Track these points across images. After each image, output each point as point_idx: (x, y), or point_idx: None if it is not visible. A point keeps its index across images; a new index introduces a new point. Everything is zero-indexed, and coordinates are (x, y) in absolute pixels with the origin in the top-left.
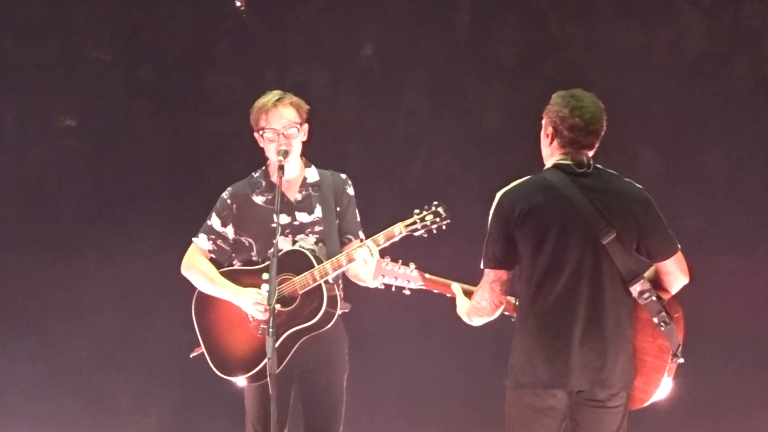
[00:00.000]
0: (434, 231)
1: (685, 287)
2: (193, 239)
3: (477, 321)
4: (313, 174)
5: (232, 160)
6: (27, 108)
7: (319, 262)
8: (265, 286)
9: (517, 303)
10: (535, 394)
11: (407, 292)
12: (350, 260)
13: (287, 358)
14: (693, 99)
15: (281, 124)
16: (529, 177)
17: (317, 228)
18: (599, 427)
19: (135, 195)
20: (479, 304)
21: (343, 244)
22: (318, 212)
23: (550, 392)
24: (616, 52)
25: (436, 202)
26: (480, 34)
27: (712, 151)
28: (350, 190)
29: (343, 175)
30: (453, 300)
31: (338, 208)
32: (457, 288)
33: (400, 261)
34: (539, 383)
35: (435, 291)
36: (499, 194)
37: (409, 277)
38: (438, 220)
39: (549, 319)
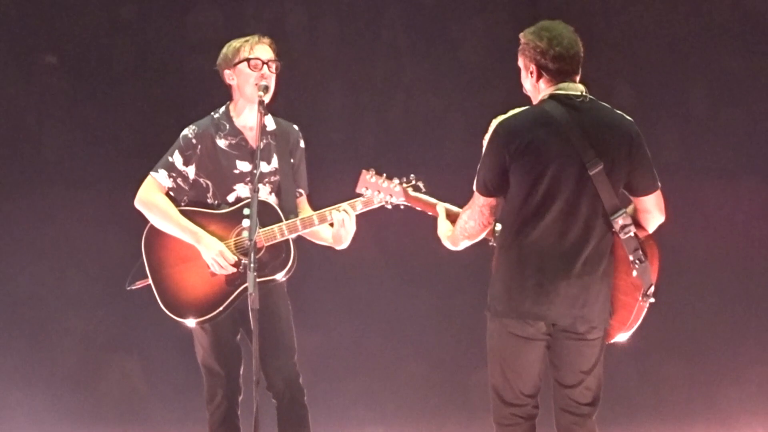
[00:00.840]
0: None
1: (664, 221)
2: (152, 173)
3: (462, 244)
4: (270, 122)
5: (214, 97)
6: (6, 46)
7: (287, 217)
8: (246, 222)
9: (499, 230)
10: (515, 322)
11: (389, 207)
12: (323, 220)
13: (237, 301)
14: (672, 32)
15: (266, 56)
16: (526, 108)
17: (273, 178)
18: (578, 358)
19: (117, 133)
20: (467, 224)
21: (294, 197)
22: (275, 162)
23: (529, 322)
24: None
25: (413, 176)
26: None
27: (691, 84)
28: (302, 143)
29: (296, 127)
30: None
31: (292, 160)
32: (441, 209)
33: (385, 174)
34: (518, 312)
35: (417, 208)
36: (495, 122)
37: (392, 192)
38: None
39: (533, 251)
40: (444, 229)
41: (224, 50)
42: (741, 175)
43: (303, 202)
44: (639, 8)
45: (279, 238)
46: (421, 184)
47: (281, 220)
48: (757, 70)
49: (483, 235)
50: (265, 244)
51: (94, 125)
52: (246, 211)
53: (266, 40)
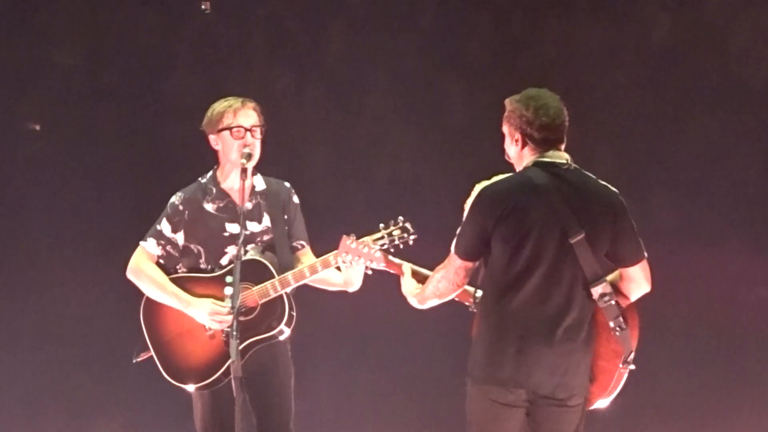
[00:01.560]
0: (401, 246)
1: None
2: (141, 243)
3: (429, 303)
4: (260, 182)
5: (196, 163)
6: None
7: (279, 272)
8: (228, 289)
9: (480, 296)
10: (495, 389)
11: (369, 272)
12: (314, 271)
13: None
14: (659, 96)
15: (249, 123)
16: (511, 174)
17: (266, 237)
18: (559, 426)
19: (100, 199)
20: (440, 283)
21: (295, 249)
22: (266, 221)
23: (510, 389)
24: (582, 50)
25: (401, 218)
26: (446, 33)
27: (678, 149)
28: (295, 198)
29: (287, 184)
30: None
31: (286, 216)
32: (407, 267)
33: (366, 239)
34: (499, 379)
35: (393, 272)
36: (479, 187)
37: (372, 257)
38: (405, 235)
39: (515, 317)
40: (410, 287)
41: (208, 113)
42: (725, 240)
43: (306, 254)
44: (622, 72)
45: (273, 294)
46: (408, 225)
47: (273, 277)
48: (740, 132)
49: (452, 296)
50: (260, 302)
51: (78, 192)
52: (229, 279)
53: (250, 104)
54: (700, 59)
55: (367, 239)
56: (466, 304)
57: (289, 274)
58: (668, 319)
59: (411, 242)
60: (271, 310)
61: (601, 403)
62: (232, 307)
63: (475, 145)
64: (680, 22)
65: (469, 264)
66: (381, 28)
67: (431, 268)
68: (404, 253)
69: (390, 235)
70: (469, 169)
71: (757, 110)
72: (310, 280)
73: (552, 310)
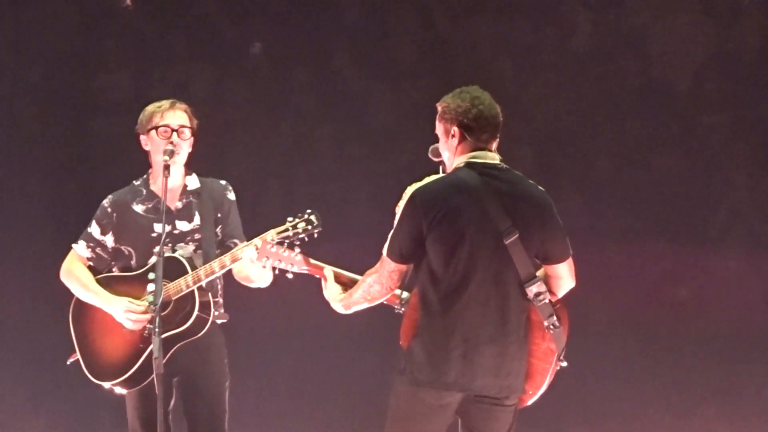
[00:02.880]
0: (306, 239)
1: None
2: (73, 246)
3: (355, 308)
4: (193, 181)
5: (121, 161)
6: None
7: (194, 268)
8: (150, 286)
9: (418, 299)
10: (435, 392)
11: (290, 276)
12: (223, 266)
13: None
14: (579, 98)
15: (176, 122)
16: (442, 176)
17: (196, 236)
18: (494, 424)
19: (20, 196)
20: (372, 287)
21: (228, 248)
22: (197, 220)
23: (451, 392)
24: (504, 51)
25: (309, 210)
26: (368, 32)
27: (597, 149)
28: (231, 195)
29: (223, 182)
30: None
31: (219, 214)
32: (329, 272)
33: (286, 243)
34: (443, 383)
35: (317, 276)
36: (410, 189)
37: (293, 261)
38: (310, 228)
39: (459, 321)
40: (334, 291)
41: (141, 115)
42: (643, 240)
43: None
44: (544, 74)
45: (185, 290)
46: (314, 218)
47: (188, 273)
48: (660, 134)
49: (382, 300)
50: (173, 298)
51: (0, 190)
52: (151, 275)
53: (181, 105)
54: (620, 61)
55: (272, 232)
56: (393, 306)
57: (200, 269)
58: (586, 319)
59: (315, 235)
60: (183, 305)
61: (535, 400)
62: (154, 304)
63: (399, 145)
64: (601, 23)
65: (403, 267)
66: (305, 26)
67: (352, 270)
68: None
69: (294, 227)
70: (392, 169)
71: (676, 112)
72: (222, 273)
73: (493, 311)
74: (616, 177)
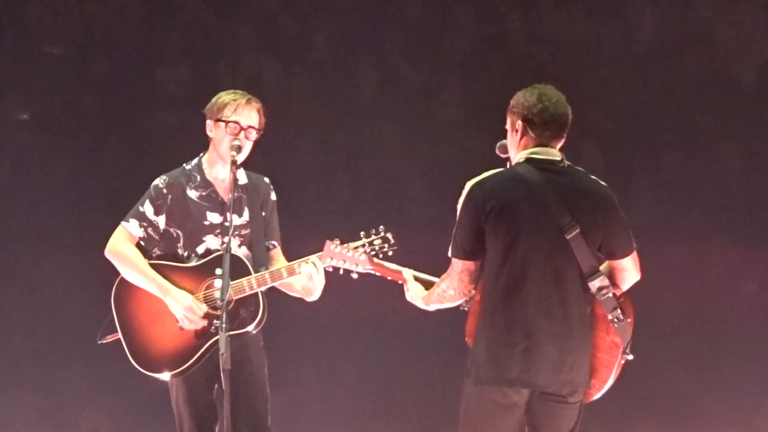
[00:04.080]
0: (380, 256)
1: (637, 282)
2: (123, 223)
3: (434, 306)
4: (242, 176)
5: (181, 153)
6: None
7: (255, 270)
8: (218, 282)
9: (480, 296)
10: (499, 391)
11: (355, 276)
12: (291, 273)
13: (205, 358)
14: (645, 93)
15: (246, 122)
16: (501, 170)
17: (244, 231)
18: (558, 421)
19: (87, 189)
20: (446, 292)
21: (267, 249)
22: (246, 215)
23: (515, 389)
24: (567, 46)
25: (382, 227)
26: (431, 27)
27: (662, 145)
28: (273, 196)
29: (267, 179)
30: (400, 287)
31: (263, 213)
32: (408, 273)
33: (350, 243)
34: (505, 380)
35: (384, 276)
36: (469, 184)
37: (357, 261)
38: (386, 246)
39: (519, 316)
40: (416, 291)
41: (214, 99)
42: (710, 236)
43: (277, 254)
44: (610, 69)
45: (248, 291)
46: (390, 236)
47: (250, 273)
48: (726, 129)
49: (458, 303)
50: (234, 298)
51: (66, 181)
52: (218, 271)
53: (256, 104)
54: (686, 56)
55: (348, 246)
56: (459, 304)
57: (266, 273)
58: (654, 315)
59: (390, 253)
60: (245, 307)
61: (602, 394)
62: (221, 300)
63: (464, 141)
64: (667, 18)
65: (471, 265)
66: (367, 22)
67: (414, 266)
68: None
69: (371, 244)
70: (457, 165)
71: (742, 107)
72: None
73: (554, 306)
74: (682, 173)
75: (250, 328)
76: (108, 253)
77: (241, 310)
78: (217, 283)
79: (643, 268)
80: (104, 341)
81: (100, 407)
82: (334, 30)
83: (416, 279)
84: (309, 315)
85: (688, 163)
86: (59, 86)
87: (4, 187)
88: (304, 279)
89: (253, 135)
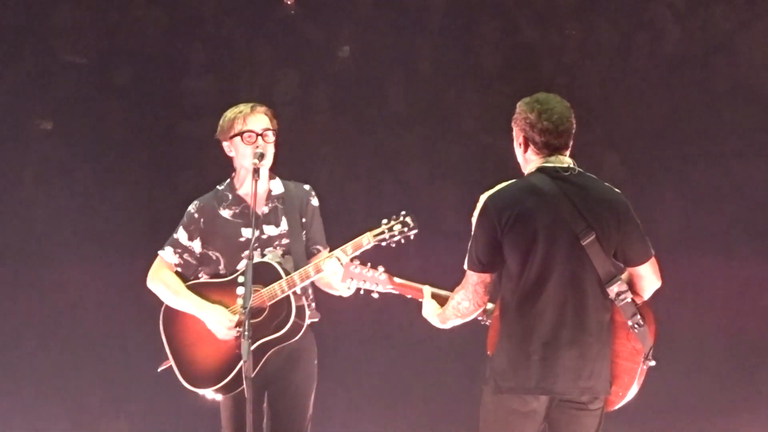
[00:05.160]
0: (402, 241)
1: (658, 290)
2: (159, 252)
3: (451, 323)
4: (278, 186)
5: (207, 163)
6: (2, 111)
7: (287, 273)
8: (240, 289)
9: (498, 306)
10: (518, 398)
11: (375, 296)
12: (318, 270)
13: (256, 370)
14: (669, 103)
15: (259, 126)
16: (514, 180)
17: (284, 241)
18: (578, 428)
19: (110, 199)
20: (460, 305)
21: (311, 254)
22: (284, 225)
23: (534, 396)
24: (592, 57)
25: (404, 212)
26: (456, 37)
27: (686, 154)
28: (314, 201)
29: (307, 186)
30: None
31: (303, 219)
32: (427, 290)
33: (369, 264)
34: (524, 388)
35: (404, 295)
36: (483, 197)
37: (377, 281)
38: (406, 230)
39: (536, 325)
40: (431, 308)
41: (221, 122)
42: (733, 245)
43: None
44: (631, 79)
45: (281, 295)
46: (409, 219)
47: (282, 278)
48: (749, 140)
49: (474, 316)
50: (268, 304)
51: (88, 191)
52: (241, 279)
53: (261, 108)
54: (709, 66)
55: (368, 235)
56: (479, 318)
57: (294, 274)
58: (678, 324)
59: (411, 237)
60: (278, 311)
61: (626, 401)
62: (244, 307)
63: (485, 150)
64: (690, 27)
65: (486, 277)
66: (391, 30)
67: (437, 276)
68: (412, 253)
69: (390, 230)
70: (479, 175)
71: (766, 116)
72: (315, 279)
73: (570, 313)
74: (705, 182)
75: (283, 332)
76: (148, 282)
77: (274, 316)
78: (241, 290)
79: (668, 276)
80: (161, 369)
81: (120, 414)
82: (358, 39)
83: (436, 296)
84: (329, 322)
85: (712, 173)
86: (82, 95)
87: (27, 195)
88: (329, 275)
89: (270, 137)
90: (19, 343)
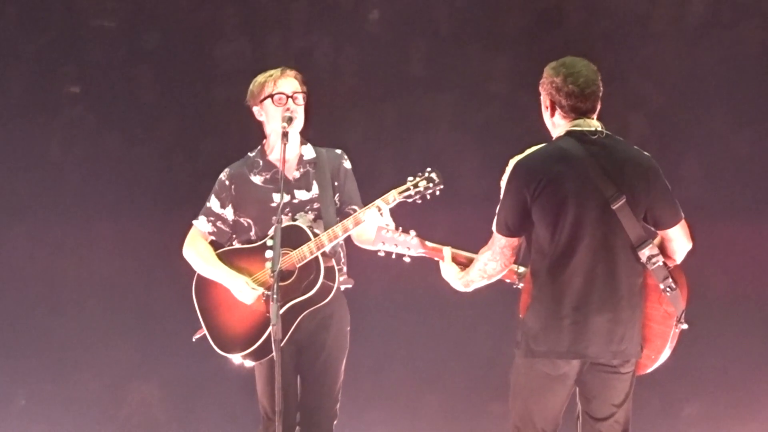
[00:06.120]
0: (428, 197)
1: (687, 254)
2: (193, 222)
3: (474, 285)
4: (309, 151)
5: (236, 127)
6: (32, 76)
7: (316, 235)
8: (269, 253)
9: (524, 272)
10: (550, 362)
11: (407, 260)
12: (357, 222)
13: (288, 334)
14: (696, 66)
15: (290, 89)
16: (543, 145)
17: (315, 205)
18: (610, 392)
19: (139, 162)
20: (487, 266)
21: (347, 215)
22: (315, 189)
23: (566, 360)
24: (619, 20)
25: (429, 168)
26: (484, 1)
27: (716, 119)
28: (347, 164)
29: (338, 150)
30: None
31: (336, 183)
32: (447, 252)
33: (401, 228)
34: (556, 352)
35: (436, 258)
36: (513, 162)
37: (409, 244)
38: (431, 186)
39: (567, 289)
40: (452, 271)
41: (251, 87)
42: (759, 211)
43: None
44: (661, 41)
45: (309, 257)
46: (434, 175)
47: (311, 240)
48: None
49: (499, 276)
50: (297, 266)
51: (118, 155)
52: (269, 242)
53: (291, 72)
54: (738, 30)
55: (393, 192)
56: (508, 281)
57: (323, 235)
58: (705, 292)
59: (437, 193)
60: (307, 273)
61: (659, 364)
62: (273, 270)
63: (513, 114)
64: None
65: (514, 241)
66: None
67: (464, 239)
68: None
69: (416, 186)
70: (505, 138)
71: None
72: (344, 238)
73: (601, 277)
74: (734, 146)
75: (312, 293)
76: (183, 252)
77: (303, 277)
78: (269, 254)
79: (695, 244)
80: (196, 338)
81: (150, 378)
82: (386, 3)
83: (456, 256)
84: (359, 291)
85: (738, 137)
86: (110, 60)
87: (56, 160)
88: (371, 225)
89: (300, 100)
90: (53, 305)
